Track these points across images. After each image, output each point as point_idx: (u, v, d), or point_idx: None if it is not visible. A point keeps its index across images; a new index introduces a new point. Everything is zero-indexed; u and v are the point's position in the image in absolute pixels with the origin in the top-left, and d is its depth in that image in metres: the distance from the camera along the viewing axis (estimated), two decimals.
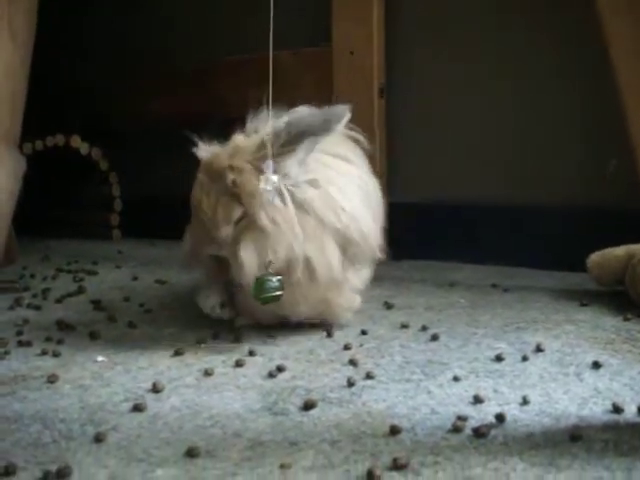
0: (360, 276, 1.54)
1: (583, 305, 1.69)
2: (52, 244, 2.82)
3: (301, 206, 1.38)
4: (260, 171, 1.36)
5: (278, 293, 1.37)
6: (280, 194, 1.37)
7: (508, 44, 2.24)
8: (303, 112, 1.40)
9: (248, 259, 1.35)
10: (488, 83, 2.29)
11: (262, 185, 1.34)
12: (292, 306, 1.45)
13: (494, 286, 1.93)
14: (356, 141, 1.57)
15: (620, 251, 1.77)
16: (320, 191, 1.40)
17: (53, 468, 0.89)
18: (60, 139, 2.82)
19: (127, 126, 3.03)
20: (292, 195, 1.38)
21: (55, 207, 3.12)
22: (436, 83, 2.38)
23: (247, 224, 1.37)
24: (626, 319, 1.56)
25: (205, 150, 1.45)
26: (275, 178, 1.35)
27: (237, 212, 1.37)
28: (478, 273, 2.13)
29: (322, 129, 1.36)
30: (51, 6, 2.33)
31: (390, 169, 2.41)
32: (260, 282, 1.37)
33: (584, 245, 1.85)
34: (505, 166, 2.28)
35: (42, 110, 2.68)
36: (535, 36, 2.19)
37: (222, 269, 1.43)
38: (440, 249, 2.33)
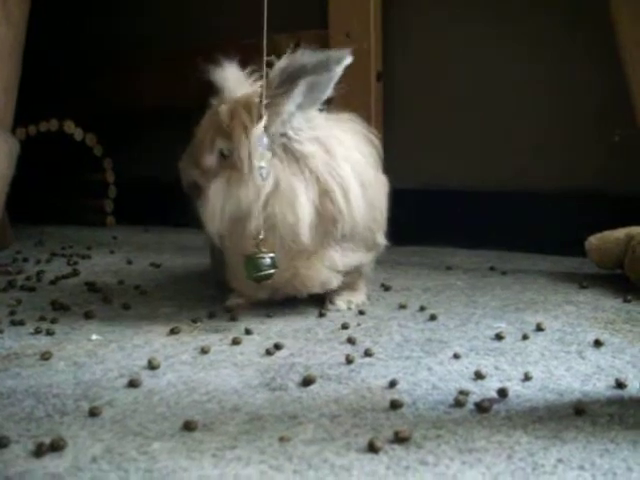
0: (347, 257, 1.48)
1: (582, 287, 1.68)
2: (46, 230, 2.79)
3: (297, 160, 1.38)
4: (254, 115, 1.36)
5: (271, 271, 1.38)
6: (271, 144, 1.37)
7: (508, 28, 2.23)
8: (300, 53, 1.37)
9: (214, 194, 1.35)
10: (486, 68, 2.27)
11: (255, 162, 1.34)
12: None
13: (492, 269, 1.91)
14: (370, 141, 1.56)
15: (620, 233, 1.75)
16: (321, 149, 1.40)
17: (47, 441, 0.87)
18: (54, 124, 2.79)
19: (121, 113, 3.01)
20: (291, 147, 1.38)
21: (49, 193, 3.09)
22: (434, 67, 2.36)
23: (230, 163, 1.36)
24: (626, 300, 1.54)
25: (226, 77, 1.43)
26: (268, 155, 1.36)
27: (219, 144, 1.37)
28: (475, 257, 2.11)
29: (318, 69, 1.34)
30: None
31: (387, 154, 2.38)
32: (253, 260, 1.37)
33: (581, 229, 1.83)
34: (502, 151, 2.27)
35: (35, 94, 2.65)
36: (536, 19, 2.18)
37: (192, 190, 1.42)
38: (436, 234, 2.31)
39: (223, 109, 1.38)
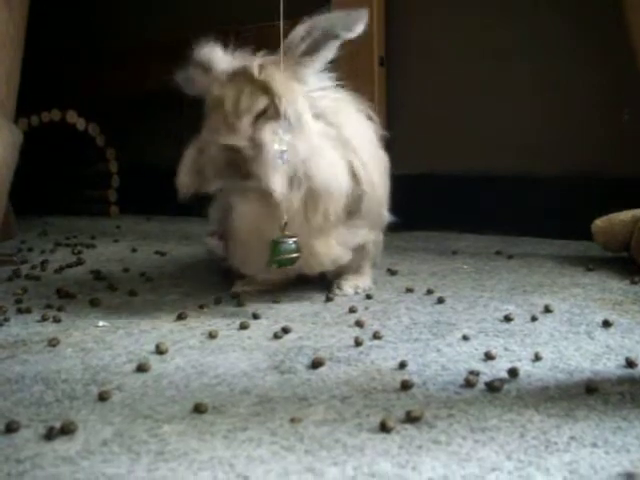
0: (355, 234, 1.48)
1: (589, 270, 1.67)
2: (50, 220, 2.79)
3: (317, 116, 1.38)
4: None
5: (294, 255, 1.37)
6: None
7: (510, 13, 2.21)
8: (323, 16, 1.34)
9: (269, 142, 1.29)
10: (488, 52, 2.26)
11: (276, 146, 1.31)
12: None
13: (498, 253, 1.91)
14: (370, 118, 1.55)
15: (626, 216, 1.74)
16: (337, 106, 1.42)
17: (57, 425, 0.87)
18: (56, 114, 2.78)
19: (124, 102, 3.00)
20: (310, 104, 1.37)
21: (52, 184, 3.08)
22: (436, 52, 2.35)
23: (271, 115, 1.32)
24: (633, 282, 1.54)
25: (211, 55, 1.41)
26: (287, 138, 1.33)
27: (261, 102, 1.32)
28: (481, 242, 2.11)
29: (346, 29, 1.33)
30: None
31: (390, 139, 2.37)
32: (276, 245, 1.35)
33: (586, 212, 1.83)
34: (506, 136, 2.26)
35: (37, 85, 2.64)
36: (536, 6, 2.17)
37: (232, 165, 1.31)
38: (441, 219, 2.30)
39: (253, 65, 1.34)
